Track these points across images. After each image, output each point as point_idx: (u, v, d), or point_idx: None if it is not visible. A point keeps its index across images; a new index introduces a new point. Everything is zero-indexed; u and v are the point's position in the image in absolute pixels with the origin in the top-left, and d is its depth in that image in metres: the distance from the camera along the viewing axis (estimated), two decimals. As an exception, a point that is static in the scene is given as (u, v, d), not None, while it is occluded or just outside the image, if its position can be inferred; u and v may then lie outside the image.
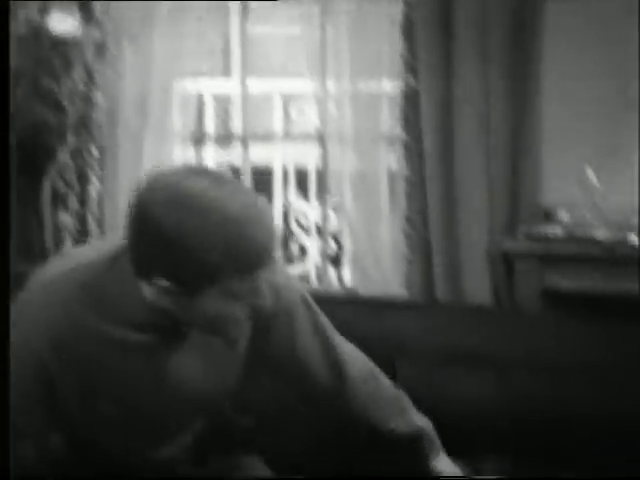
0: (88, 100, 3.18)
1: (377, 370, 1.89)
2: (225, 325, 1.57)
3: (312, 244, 4.40)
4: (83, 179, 3.22)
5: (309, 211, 4.40)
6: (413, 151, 3.15)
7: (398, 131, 3.21)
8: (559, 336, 2.31)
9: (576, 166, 2.95)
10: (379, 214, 3.27)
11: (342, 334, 2.22)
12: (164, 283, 1.49)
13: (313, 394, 1.84)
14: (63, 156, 3.19)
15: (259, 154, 4.24)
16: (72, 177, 3.22)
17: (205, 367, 1.68)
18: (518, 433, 2.13)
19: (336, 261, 4.02)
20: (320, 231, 4.11)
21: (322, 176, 3.59)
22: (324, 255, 3.83)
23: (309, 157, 4.32)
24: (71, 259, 1.64)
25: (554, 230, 2.92)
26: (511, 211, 3.04)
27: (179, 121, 3.51)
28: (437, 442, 1.86)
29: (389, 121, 3.24)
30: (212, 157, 4.32)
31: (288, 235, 4.42)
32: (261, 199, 1.53)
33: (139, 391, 1.63)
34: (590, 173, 2.90)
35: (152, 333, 1.59)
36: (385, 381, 1.89)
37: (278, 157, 4.41)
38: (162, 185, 1.48)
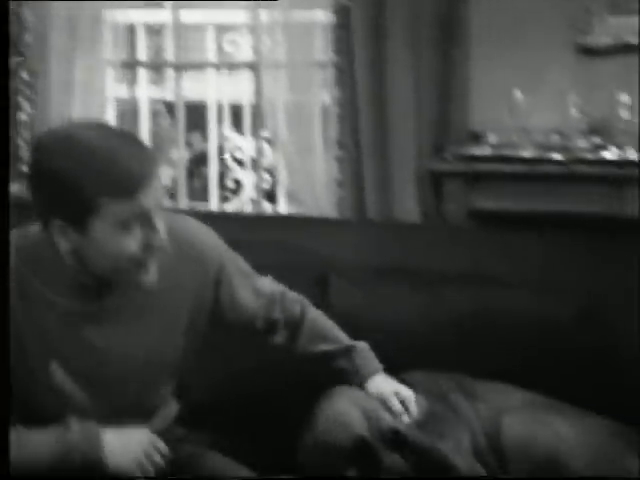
0: (18, 17, 3.11)
1: (306, 302, 1.97)
2: (125, 262, 1.61)
3: (247, 178, 4.40)
4: (13, 102, 3.14)
5: (244, 145, 4.39)
6: (345, 75, 3.16)
7: (331, 57, 3.21)
8: (484, 250, 2.35)
9: (503, 89, 3.01)
10: (313, 145, 3.28)
11: (276, 254, 2.25)
12: (58, 222, 1.60)
13: (253, 333, 1.92)
14: (-9, 77, 3.12)
15: (193, 89, 4.21)
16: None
17: (139, 335, 1.73)
18: (446, 345, 2.16)
19: (271, 195, 4.03)
20: (255, 165, 4.12)
21: (256, 109, 3.58)
22: (259, 189, 3.84)
23: (243, 92, 4.30)
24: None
25: (482, 150, 2.96)
26: (440, 133, 3.08)
27: (111, 49, 3.48)
28: (374, 362, 1.92)
29: (322, 49, 3.25)
30: (145, 92, 4.28)
31: (223, 170, 4.41)
32: (135, 135, 1.68)
33: (75, 355, 1.69)
34: (517, 95, 2.96)
35: (82, 296, 1.68)
36: (315, 311, 1.97)
37: (212, 92, 4.38)
38: (47, 134, 1.64)
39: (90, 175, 1.56)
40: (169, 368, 1.82)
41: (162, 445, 1.70)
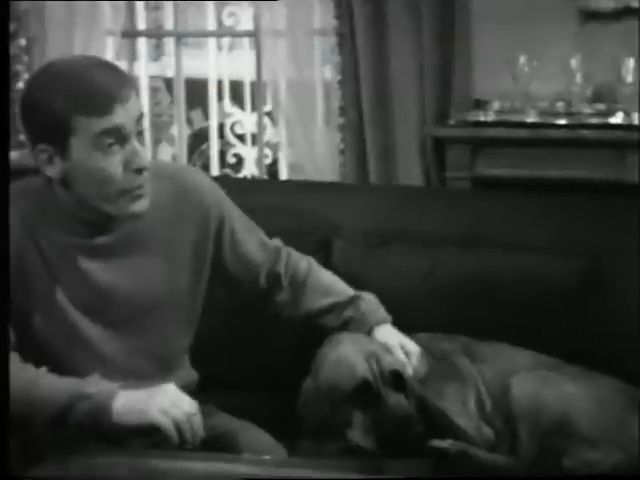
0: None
1: (312, 260, 1.97)
2: (111, 187, 1.64)
3: (248, 153, 4.37)
4: (11, 68, 3.11)
5: (245, 120, 4.37)
6: (346, 41, 3.13)
7: (331, 23, 3.19)
8: (487, 213, 2.32)
9: (506, 56, 2.98)
10: (315, 114, 3.26)
11: (279, 219, 2.24)
12: (41, 146, 1.64)
13: (257, 292, 1.91)
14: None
15: (193, 66, 4.19)
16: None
17: (143, 272, 1.74)
18: (449, 307, 2.15)
19: (272, 170, 4.01)
20: (256, 140, 4.09)
21: (257, 82, 3.56)
22: (260, 164, 3.82)
23: (244, 68, 4.28)
24: None
25: (485, 116, 2.95)
26: (443, 100, 3.06)
27: (110, 21, 3.45)
28: (380, 310, 1.91)
29: (322, 15, 3.23)
30: (144, 69, 4.26)
31: (224, 146, 4.39)
32: (111, 62, 1.72)
33: (80, 289, 1.70)
34: (521, 61, 2.93)
35: (84, 232, 1.70)
36: (320, 268, 1.96)
37: (212, 68, 4.36)
38: (35, 70, 1.72)
39: (64, 95, 1.61)
40: (177, 313, 1.81)
41: (194, 405, 1.62)
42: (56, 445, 1.62)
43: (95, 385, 1.60)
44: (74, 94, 1.61)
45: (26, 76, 3.23)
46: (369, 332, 1.87)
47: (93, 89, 1.61)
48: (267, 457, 1.70)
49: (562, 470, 1.73)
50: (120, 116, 1.62)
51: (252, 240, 1.89)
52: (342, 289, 1.94)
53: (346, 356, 1.75)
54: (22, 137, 3.16)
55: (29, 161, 3.46)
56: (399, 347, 1.83)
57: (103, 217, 1.69)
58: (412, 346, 1.85)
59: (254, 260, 1.89)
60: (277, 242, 1.95)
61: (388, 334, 1.87)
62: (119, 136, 1.63)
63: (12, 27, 3.21)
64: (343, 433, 1.73)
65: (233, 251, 1.86)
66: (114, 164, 1.63)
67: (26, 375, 1.62)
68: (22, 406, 1.59)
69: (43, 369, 1.64)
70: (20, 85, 3.18)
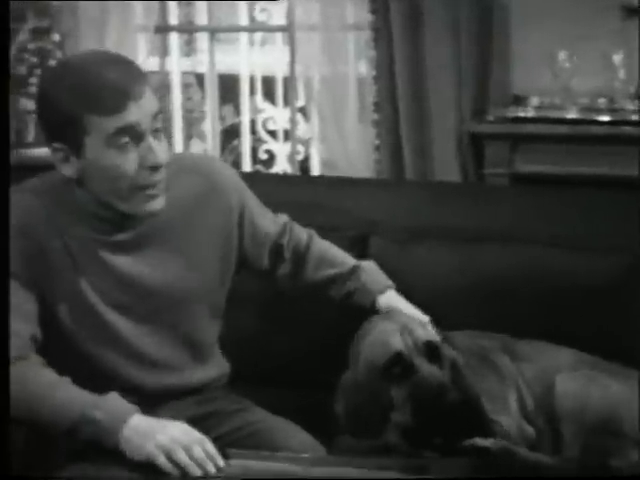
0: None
1: (313, 232, 1.96)
2: (125, 184, 1.62)
3: (280, 150, 4.35)
4: (45, 64, 3.12)
5: (277, 116, 4.34)
6: (382, 36, 3.10)
7: (366, 18, 3.16)
8: (525, 210, 2.29)
9: (546, 51, 2.95)
10: (349, 110, 3.23)
11: (315, 214, 2.22)
12: (56, 145, 1.63)
13: (262, 267, 1.89)
14: (23, 36, 3.09)
15: (225, 61, 4.17)
16: (33, 59, 3.11)
17: (171, 265, 1.73)
18: (486, 305, 2.12)
19: (304, 166, 3.98)
20: (288, 136, 4.07)
21: (290, 77, 3.53)
22: (292, 160, 3.79)
23: (276, 63, 4.26)
24: None
25: (525, 112, 2.92)
26: (480, 96, 3.03)
27: (142, 17, 3.44)
28: (382, 277, 1.89)
29: (357, 10, 3.20)
30: (176, 64, 4.25)
31: (256, 142, 4.37)
32: (125, 57, 1.67)
33: (108, 284, 1.69)
34: (562, 56, 2.89)
35: (104, 229, 1.69)
36: (322, 241, 1.95)
37: (244, 64, 4.34)
38: (48, 67, 1.75)
39: (75, 94, 1.59)
40: (205, 304, 1.79)
41: (202, 438, 1.58)
42: (73, 453, 1.61)
43: (108, 407, 1.57)
44: (85, 92, 1.58)
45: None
46: (373, 302, 1.86)
47: (104, 87, 1.58)
48: (305, 455, 1.67)
49: (609, 470, 1.70)
50: (134, 114, 1.59)
51: (267, 220, 1.89)
52: (343, 260, 1.92)
53: (380, 334, 1.74)
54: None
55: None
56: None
57: (120, 214, 1.68)
58: (420, 315, 1.84)
59: (269, 234, 1.88)
60: (284, 217, 1.94)
61: (393, 301, 1.86)
62: (134, 134, 1.61)
63: (46, 23, 3.22)
64: (383, 428, 1.71)
65: (252, 236, 1.85)
66: (129, 162, 1.61)
67: (45, 382, 1.60)
68: (36, 413, 1.58)
69: (64, 379, 1.61)
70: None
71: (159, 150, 1.63)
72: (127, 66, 1.62)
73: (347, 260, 1.92)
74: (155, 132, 1.63)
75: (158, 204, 1.66)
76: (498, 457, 1.65)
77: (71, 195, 1.68)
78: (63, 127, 1.60)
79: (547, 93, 2.95)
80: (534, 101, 2.96)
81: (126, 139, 1.60)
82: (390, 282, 1.90)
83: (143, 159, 1.62)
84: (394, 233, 2.22)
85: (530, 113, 2.92)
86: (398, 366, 1.69)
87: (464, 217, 2.26)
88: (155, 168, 1.62)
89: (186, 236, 1.74)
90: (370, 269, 1.90)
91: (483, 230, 2.20)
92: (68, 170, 1.64)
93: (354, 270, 1.89)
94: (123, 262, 1.70)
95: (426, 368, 1.68)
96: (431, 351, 1.72)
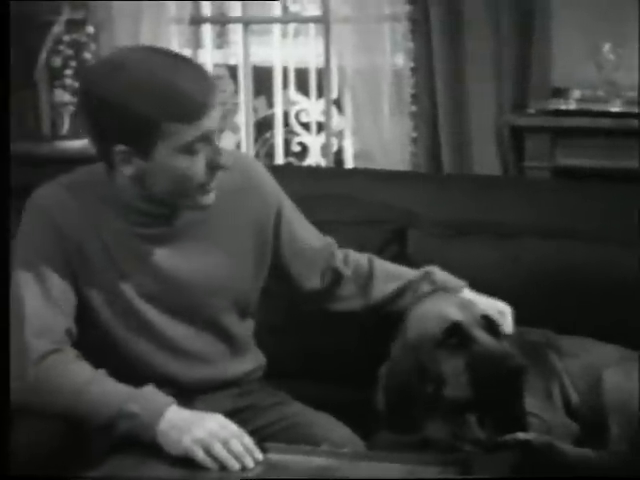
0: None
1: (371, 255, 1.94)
2: (189, 185, 1.62)
3: (313, 142, 4.32)
4: (80, 56, 3.12)
5: (310, 108, 4.31)
6: (420, 27, 3.06)
7: (404, 9, 3.12)
8: (568, 204, 2.25)
9: (588, 44, 2.91)
10: (385, 102, 3.19)
11: (353, 208, 2.20)
12: (121, 148, 1.61)
13: (312, 285, 1.87)
14: (58, 28, 3.08)
15: (258, 53, 4.15)
16: (68, 51, 3.11)
17: (208, 260, 1.73)
18: (529, 300, 2.08)
19: (338, 158, 3.95)
20: (322, 128, 4.03)
21: (324, 69, 3.50)
22: (326, 152, 3.76)
23: (309, 55, 4.23)
24: None
25: (567, 105, 2.88)
26: (521, 88, 2.99)
27: (175, 4, 3.42)
28: (455, 278, 1.88)
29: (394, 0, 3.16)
30: (209, 57, 4.23)
31: (289, 135, 4.35)
32: (194, 60, 1.69)
33: (144, 277, 1.69)
34: (606, 47, 2.84)
35: (143, 222, 1.69)
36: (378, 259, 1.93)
37: (277, 56, 4.31)
38: (99, 63, 1.69)
39: (152, 100, 1.58)
40: (239, 299, 1.78)
41: (239, 431, 1.56)
42: (111, 448, 1.59)
43: (145, 401, 1.55)
44: (166, 101, 1.58)
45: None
46: None
47: (186, 96, 1.58)
48: (345, 449, 1.64)
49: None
50: (210, 121, 1.61)
51: (309, 230, 1.87)
52: (409, 271, 1.91)
53: (435, 306, 1.73)
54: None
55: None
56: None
57: (167, 209, 1.68)
58: (503, 305, 1.82)
59: (312, 249, 1.86)
60: (329, 238, 1.91)
61: (473, 296, 1.85)
62: (206, 139, 1.61)
63: (81, 15, 3.21)
64: (423, 420, 1.68)
65: (290, 242, 1.83)
66: (197, 165, 1.62)
67: (80, 376, 1.59)
68: (72, 408, 1.57)
69: (101, 372, 1.60)
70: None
71: (225, 151, 1.65)
72: (203, 73, 1.63)
73: (413, 271, 1.91)
74: (219, 133, 1.65)
75: (211, 198, 1.67)
76: (540, 452, 1.62)
77: (110, 188, 1.68)
78: (135, 131, 1.59)
79: (589, 85, 2.91)
80: (576, 94, 2.91)
81: (200, 145, 1.60)
82: (464, 282, 1.89)
83: (210, 161, 1.63)
84: (433, 227, 2.19)
85: (572, 106, 2.88)
86: (455, 337, 1.67)
87: (504, 211, 2.23)
88: (219, 168, 1.64)
89: (222, 230, 1.74)
90: (441, 272, 1.89)
91: (524, 224, 2.16)
92: (128, 170, 1.63)
93: (426, 275, 1.88)
94: (160, 254, 1.69)
95: (487, 338, 1.66)
96: (489, 325, 1.70)
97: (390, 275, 1.89)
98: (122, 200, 1.68)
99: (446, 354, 1.67)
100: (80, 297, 1.66)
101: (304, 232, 1.86)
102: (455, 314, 1.69)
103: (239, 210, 1.75)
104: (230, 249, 1.75)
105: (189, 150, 1.60)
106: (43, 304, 1.62)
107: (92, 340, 1.67)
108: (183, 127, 1.58)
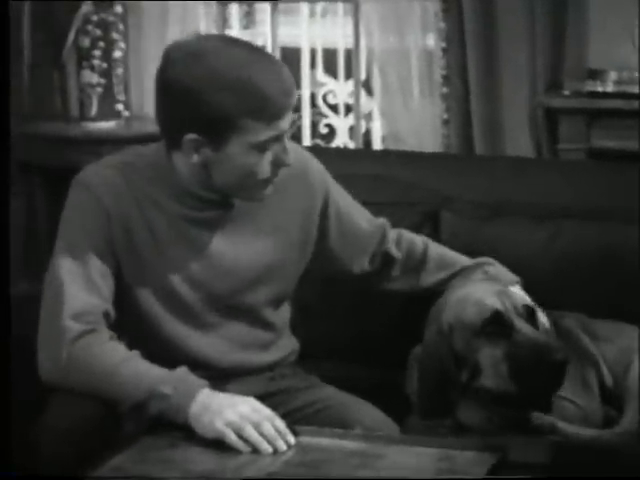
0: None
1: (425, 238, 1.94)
2: (253, 179, 1.64)
3: (341, 124, 4.29)
4: (108, 36, 3.10)
5: (338, 89, 4.28)
6: (452, 6, 3.02)
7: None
8: (605, 185, 2.21)
9: (625, 25, 2.87)
10: (415, 83, 3.17)
11: (386, 189, 2.17)
12: (193, 136, 1.60)
13: (361, 268, 1.86)
14: (86, 7, 3.06)
15: (284, 34, 4.11)
16: (96, 31, 3.09)
17: (253, 246, 1.73)
18: (567, 282, 2.04)
19: (365, 140, 3.92)
20: (350, 110, 4.00)
21: (353, 50, 3.47)
22: (355, 134, 3.73)
23: (338, 35, 4.19)
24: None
25: (603, 87, 2.85)
26: (555, 69, 2.95)
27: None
28: (508, 272, 1.86)
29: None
30: (237, 36, 4.19)
31: (315, 117, 4.32)
32: (274, 56, 1.69)
33: (188, 258, 1.69)
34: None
35: (196, 207, 1.69)
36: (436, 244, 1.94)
37: (305, 36, 4.27)
38: (178, 47, 1.63)
39: (234, 95, 1.58)
40: (280, 286, 1.78)
41: (279, 422, 1.54)
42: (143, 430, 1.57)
43: (178, 382, 1.55)
44: (247, 98, 1.58)
45: (122, 45, 3.19)
46: None
47: (268, 97, 1.59)
48: (379, 433, 1.63)
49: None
50: (286, 122, 1.62)
51: (358, 214, 1.86)
52: (463, 258, 1.90)
53: (472, 294, 1.70)
54: (119, 107, 3.20)
55: (124, 131, 3.44)
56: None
57: (222, 196, 1.68)
58: (540, 313, 1.78)
59: (362, 232, 1.85)
60: (382, 220, 1.90)
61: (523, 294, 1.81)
62: (279, 138, 1.62)
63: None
64: (453, 405, 1.68)
65: (338, 226, 1.82)
66: (265, 161, 1.63)
67: (113, 357, 1.59)
68: (105, 389, 1.57)
69: (134, 352, 1.60)
70: (118, 54, 3.15)
71: (291, 150, 1.66)
72: (285, 73, 1.62)
73: (465, 259, 1.90)
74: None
75: (270, 190, 1.68)
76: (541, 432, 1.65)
77: (165, 171, 1.68)
78: (212, 123, 1.59)
79: (624, 67, 2.86)
80: (612, 75, 2.87)
81: (272, 144, 1.62)
82: (516, 277, 1.86)
83: (277, 158, 1.64)
84: (467, 209, 2.16)
85: (609, 88, 2.84)
86: (494, 326, 1.65)
87: (540, 193, 2.19)
88: (284, 165, 1.64)
89: (270, 218, 1.74)
90: (497, 265, 1.88)
91: (559, 206, 2.13)
92: (196, 159, 1.63)
93: (480, 265, 1.87)
94: (208, 238, 1.70)
95: (529, 328, 1.64)
96: (528, 315, 1.68)
97: (443, 262, 1.88)
98: (179, 185, 1.67)
99: (484, 342, 1.65)
100: (120, 278, 1.66)
101: (353, 216, 1.85)
102: (496, 302, 1.67)
103: (287, 197, 1.75)
104: (276, 237, 1.75)
105: (261, 148, 1.61)
106: (83, 287, 1.61)
107: (128, 322, 1.67)
108: (261, 126, 1.59)
